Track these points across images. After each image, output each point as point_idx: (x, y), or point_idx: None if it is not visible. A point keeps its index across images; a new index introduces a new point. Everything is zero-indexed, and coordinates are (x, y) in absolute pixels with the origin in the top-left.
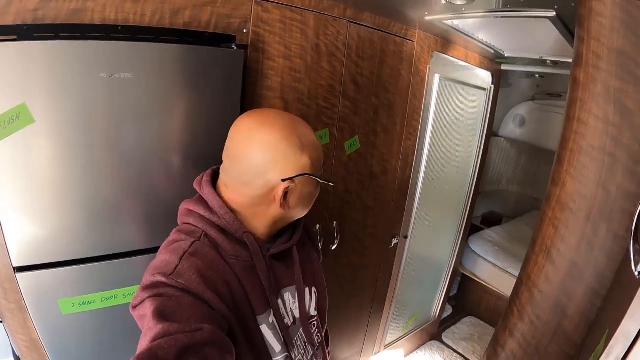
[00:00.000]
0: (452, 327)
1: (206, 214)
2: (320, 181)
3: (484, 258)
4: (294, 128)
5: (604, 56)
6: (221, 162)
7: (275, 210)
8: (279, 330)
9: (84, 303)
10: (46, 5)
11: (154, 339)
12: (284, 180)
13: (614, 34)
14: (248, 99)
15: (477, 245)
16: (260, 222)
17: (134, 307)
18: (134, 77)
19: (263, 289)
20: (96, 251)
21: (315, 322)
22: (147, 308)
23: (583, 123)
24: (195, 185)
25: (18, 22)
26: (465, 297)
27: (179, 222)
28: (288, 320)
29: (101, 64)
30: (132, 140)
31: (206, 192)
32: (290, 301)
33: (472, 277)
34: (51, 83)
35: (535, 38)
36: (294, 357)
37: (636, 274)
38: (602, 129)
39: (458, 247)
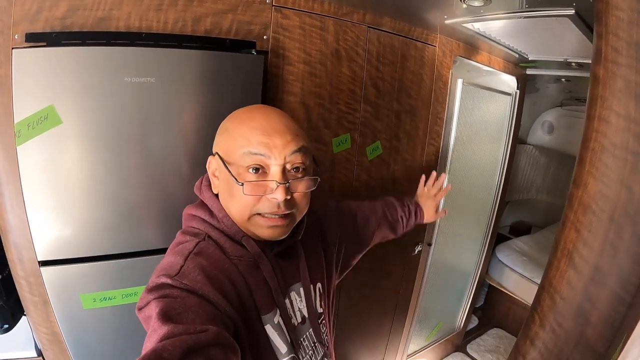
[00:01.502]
0: (478, 339)
1: (207, 218)
2: (228, 170)
3: (511, 268)
4: (237, 115)
5: (622, 50)
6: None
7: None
8: (285, 331)
9: (105, 299)
10: (74, 14)
11: (159, 341)
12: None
13: (633, 27)
14: (268, 103)
15: (504, 255)
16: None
17: (140, 309)
18: (156, 82)
19: (268, 289)
20: (118, 248)
21: (324, 321)
22: (152, 309)
23: (604, 121)
24: (196, 191)
25: (47, 30)
26: (492, 309)
27: (183, 226)
28: (295, 320)
29: (125, 68)
30: (154, 142)
31: (206, 196)
32: (296, 300)
33: (499, 288)
34: (78, 86)
35: (558, 39)
36: (300, 358)
37: None
38: (624, 126)
39: (484, 256)
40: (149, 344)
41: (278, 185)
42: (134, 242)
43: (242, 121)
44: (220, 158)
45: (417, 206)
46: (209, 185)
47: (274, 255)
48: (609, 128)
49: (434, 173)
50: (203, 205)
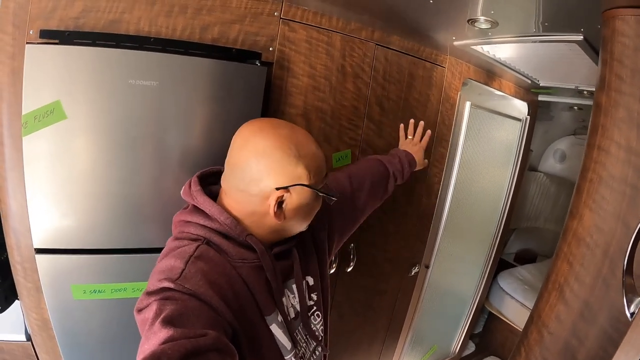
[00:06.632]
0: None
1: (206, 222)
2: (320, 193)
3: (511, 296)
4: (291, 137)
5: (627, 79)
6: (204, 167)
7: (271, 220)
8: (287, 328)
9: (95, 291)
10: (87, 15)
11: (159, 344)
12: (278, 189)
13: (638, 54)
14: (270, 115)
15: (506, 282)
16: (260, 231)
17: (139, 310)
18: (160, 86)
19: (270, 289)
20: (112, 244)
21: (315, 313)
22: (153, 312)
23: (604, 151)
24: (185, 196)
25: (61, 28)
26: (490, 336)
27: (174, 232)
28: (289, 316)
29: (131, 71)
30: (155, 143)
31: (201, 201)
32: (290, 296)
33: (498, 315)
34: (84, 85)
35: (569, 66)
36: (297, 352)
37: (628, 314)
38: (624, 158)
39: (484, 282)
40: (147, 346)
41: None
42: (128, 239)
43: (304, 145)
44: (304, 185)
45: (408, 156)
46: (201, 189)
47: (273, 255)
48: (608, 159)
49: (412, 121)
50: (198, 210)
